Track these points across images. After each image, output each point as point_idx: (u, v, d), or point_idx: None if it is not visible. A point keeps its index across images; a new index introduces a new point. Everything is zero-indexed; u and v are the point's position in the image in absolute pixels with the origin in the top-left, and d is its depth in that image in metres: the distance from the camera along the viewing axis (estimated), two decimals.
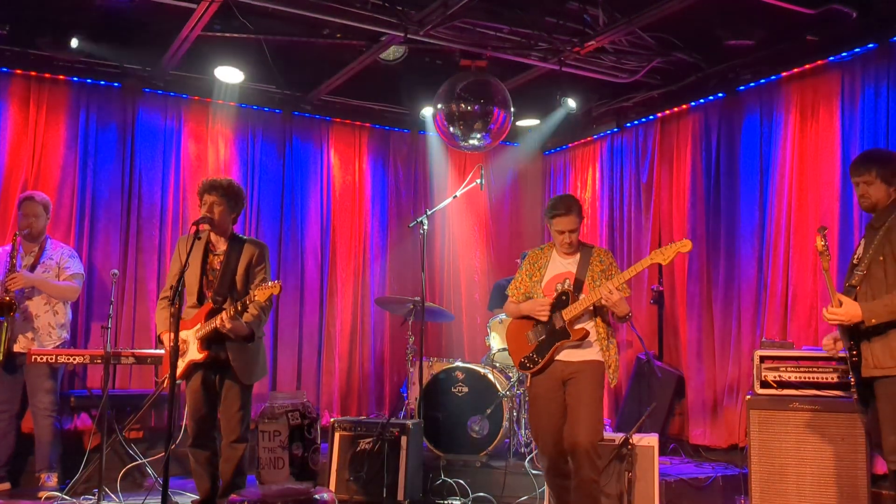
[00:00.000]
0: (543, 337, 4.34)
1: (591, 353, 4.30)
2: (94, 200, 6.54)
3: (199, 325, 4.46)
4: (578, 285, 4.30)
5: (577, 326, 4.27)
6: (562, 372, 4.30)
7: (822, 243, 3.72)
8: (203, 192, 4.58)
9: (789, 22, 5.63)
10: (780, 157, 6.16)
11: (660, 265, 6.88)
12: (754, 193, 6.34)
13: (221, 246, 4.63)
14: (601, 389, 4.31)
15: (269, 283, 4.29)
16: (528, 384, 4.51)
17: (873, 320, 3.66)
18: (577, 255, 4.41)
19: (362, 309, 7.58)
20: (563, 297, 4.30)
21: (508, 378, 5.95)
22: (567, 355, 4.30)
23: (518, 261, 6.94)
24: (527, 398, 5.93)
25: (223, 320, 4.34)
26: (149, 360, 5.40)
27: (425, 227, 6.00)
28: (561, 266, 4.42)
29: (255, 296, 4.29)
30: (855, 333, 3.78)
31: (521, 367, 4.44)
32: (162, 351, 4.91)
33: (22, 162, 6.30)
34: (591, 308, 4.27)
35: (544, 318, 4.31)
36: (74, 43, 5.95)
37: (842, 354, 4.03)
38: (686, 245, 4.12)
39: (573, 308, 4.24)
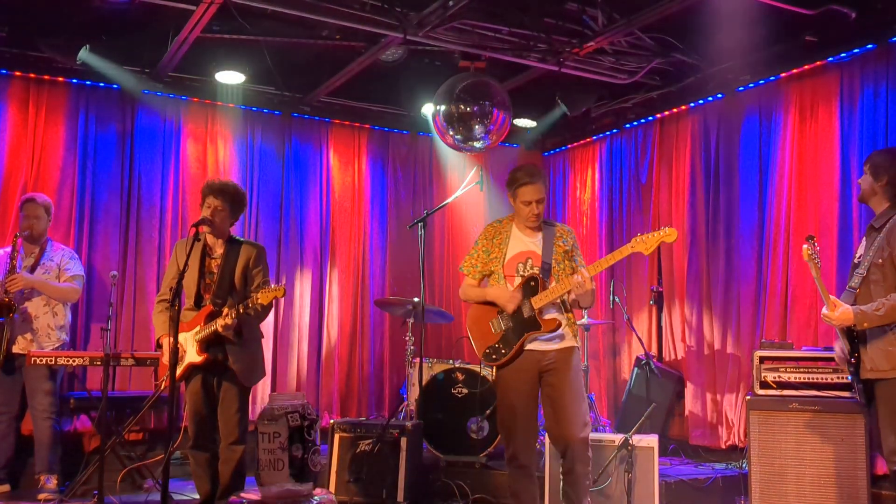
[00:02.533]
0: (511, 325, 4.06)
1: (566, 341, 4.07)
2: (93, 202, 6.53)
3: (197, 328, 4.47)
4: (546, 268, 4.01)
5: (548, 316, 4.02)
6: (538, 362, 4.04)
7: (810, 252, 3.74)
8: (208, 193, 4.56)
9: (788, 22, 5.63)
10: (779, 158, 6.16)
11: (659, 265, 6.93)
12: (753, 194, 6.34)
13: (219, 249, 4.63)
14: (580, 377, 4.11)
15: (273, 287, 4.29)
16: (493, 376, 4.19)
17: (865, 324, 3.70)
18: (540, 233, 4.13)
19: (362, 310, 7.58)
20: (532, 283, 4.01)
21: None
22: (540, 344, 4.05)
23: None
24: None
25: (221, 324, 4.35)
26: (148, 362, 5.39)
27: (424, 228, 6.00)
28: (522, 244, 4.14)
29: (257, 298, 4.29)
30: (853, 337, 3.80)
31: (486, 359, 4.13)
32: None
33: (21, 164, 6.30)
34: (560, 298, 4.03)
35: (510, 310, 4.04)
36: (83, 55, 5.94)
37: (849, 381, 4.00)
38: (671, 234, 3.83)
39: (544, 296, 3.97)
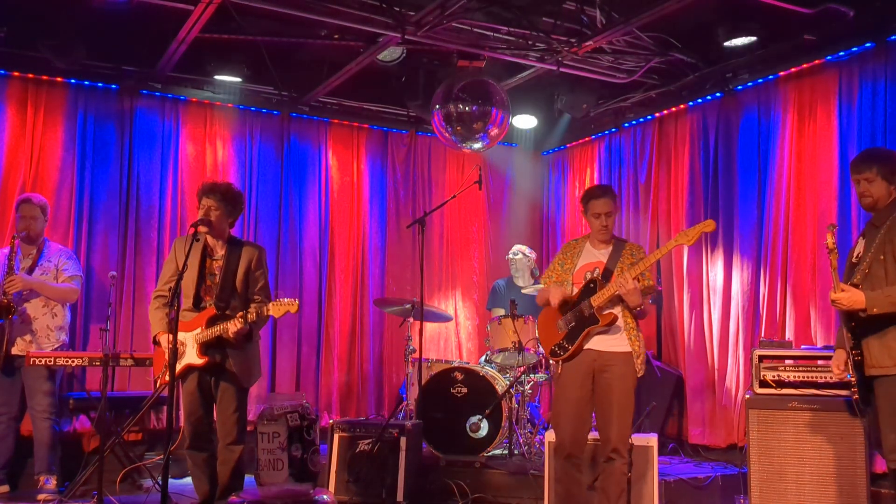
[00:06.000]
0: (573, 324, 4.36)
1: (621, 343, 4.31)
2: (92, 202, 6.53)
3: (199, 330, 4.46)
4: (607, 274, 4.33)
5: (606, 312, 4.29)
6: (593, 361, 4.31)
7: (833, 241, 3.72)
8: (201, 194, 4.59)
9: (787, 21, 5.63)
10: (777, 157, 6.16)
11: (658, 265, 6.92)
12: (752, 193, 6.34)
13: (220, 250, 4.63)
14: (631, 382, 4.32)
15: (287, 301, 4.36)
16: (557, 371, 4.53)
17: (875, 309, 3.66)
18: (610, 247, 4.46)
19: (361, 310, 7.58)
20: (591, 285, 4.33)
21: (507, 379, 5.95)
22: (597, 343, 4.32)
23: (508, 256, 6.96)
24: (527, 398, 5.98)
25: (230, 330, 4.36)
26: (147, 362, 5.38)
27: (423, 227, 6.00)
28: (593, 256, 4.48)
29: (268, 310, 4.33)
30: (856, 333, 3.78)
31: (552, 355, 4.47)
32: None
33: (20, 164, 6.29)
34: (619, 298, 4.28)
35: (554, 301, 4.35)
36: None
37: (849, 379, 3.97)
38: (710, 225, 4.17)
39: (600, 295, 4.26)
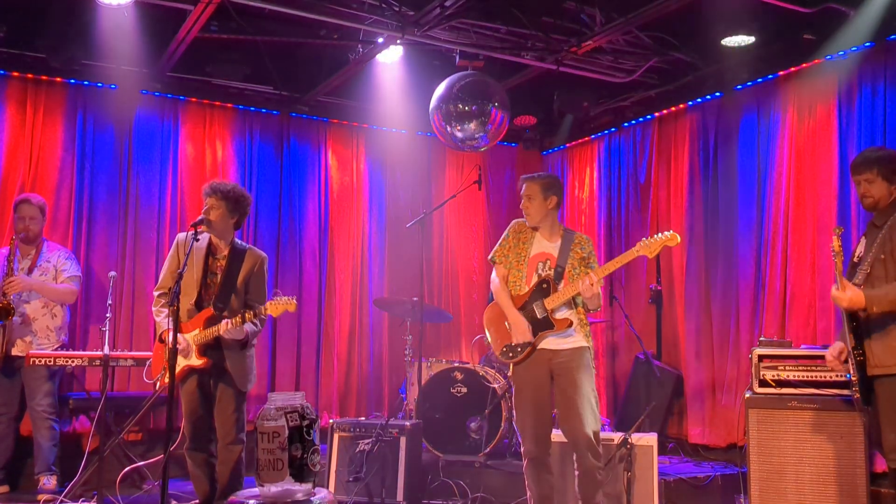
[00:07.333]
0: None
1: (577, 340, 4.29)
2: (91, 202, 6.52)
3: (196, 331, 4.46)
4: (559, 270, 4.30)
5: (559, 315, 4.27)
6: (549, 361, 4.28)
7: (839, 244, 3.74)
8: (205, 195, 4.63)
9: (786, 21, 5.63)
10: (777, 157, 6.17)
11: (658, 264, 6.93)
12: (752, 193, 6.34)
13: (223, 250, 4.64)
14: (592, 376, 4.31)
15: (284, 299, 4.33)
16: (510, 372, 4.46)
17: (874, 308, 3.68)
18: (560, 240, 4.41)
19: (361, 310, 7.57)
20: (544, 286, 4.29)
21: (507, 378, 5.95)
22: (552, 343, 4.28)
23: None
24: None
25: (225, 330, 4.36)
26: (147, 363, 5.38)
27: (423, 227, 6.00)
28: (543, 246, 4.43)
29: (265, 309, 4.32)
30: (858, 333, 3.79)
31: (503, 356, 4.38)
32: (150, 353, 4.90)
33: (19, 164, 6.29)
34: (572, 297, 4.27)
35: (516, 342, 4.29)
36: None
37: (849, 379, 3.98)
38: (673, 239, 4.08)
39: (556, 298, 4.24)
